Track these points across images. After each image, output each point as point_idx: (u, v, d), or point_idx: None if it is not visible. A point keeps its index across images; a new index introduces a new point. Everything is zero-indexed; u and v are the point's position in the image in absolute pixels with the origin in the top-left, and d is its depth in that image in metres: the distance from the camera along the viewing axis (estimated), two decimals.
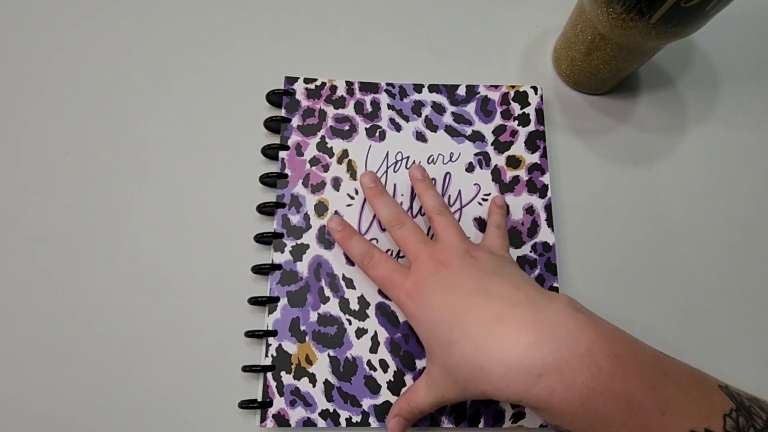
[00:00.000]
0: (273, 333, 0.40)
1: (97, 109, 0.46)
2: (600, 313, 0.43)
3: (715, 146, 0.48)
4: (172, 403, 0.40)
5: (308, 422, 0.38)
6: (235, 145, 0.46)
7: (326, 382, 0.39)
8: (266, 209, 0.43)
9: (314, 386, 0.39)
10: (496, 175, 0.44)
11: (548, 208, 0.43)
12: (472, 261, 0.36)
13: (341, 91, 0.46)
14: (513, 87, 0.47)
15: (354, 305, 0.41)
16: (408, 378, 0.39)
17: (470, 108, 0.46)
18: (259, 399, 0.39)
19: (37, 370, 0.40)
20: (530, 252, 0.42)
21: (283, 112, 0.45)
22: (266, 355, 0.40)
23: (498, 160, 0.45)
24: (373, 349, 0.40)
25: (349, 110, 0.46)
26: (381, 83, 0.46)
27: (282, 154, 0.44)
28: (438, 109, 0.46)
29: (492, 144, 0.45)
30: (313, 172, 0.44)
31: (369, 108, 0.46)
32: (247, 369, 0.39)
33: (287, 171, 0.44)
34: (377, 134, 0.45)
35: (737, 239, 0.45)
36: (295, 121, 0.45)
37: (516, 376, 0.29)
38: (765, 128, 0.48)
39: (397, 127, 0.45)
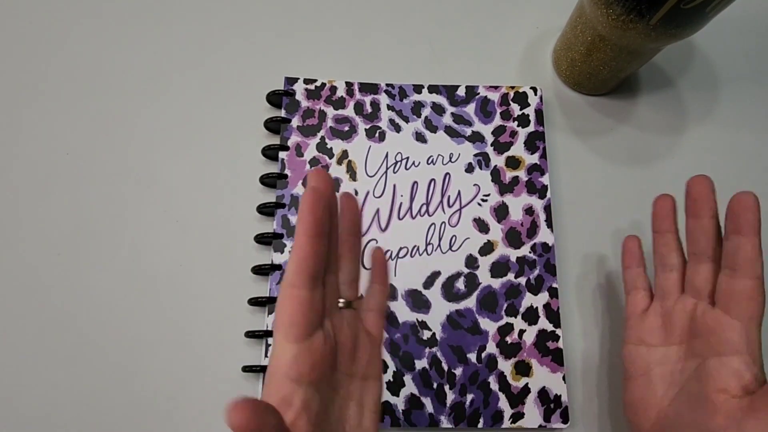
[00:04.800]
0: (272, 334, 0.40)
1: (97, 109, 0.46)
2: (600, 313, 0.43)
3: (715, 147, 0.48)
4: (173, 403, 0.40)
5: None
6: (235, 146, 0.46)
7: None
8: (266, 210, 0.43)
9: None
10: (496, 175, 0.44)
11: (548, 208, 0.43)
12: None
13: (341, 92, 0.46)
14: (512, 88, 0.47)
15: None
16: (407, 378, 0.39)
17: (470, 109, 0.46)
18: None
19: (38, 370, 0.40)
20: (530, 252, 0.42)
21: (282, 113, 0.45)
22: (265, 356, 0.40)
23: (497, 160, 0.45)
24: None
25: (348, 111, 0.46)
26: (381, 84, 0.46)
27: (282, 154, 0.44)
28: (438, 109, 0.46)
29: (491, 145, 0.45)
30: None
31: (369, 109, 0.46)
32: (247, 369, 0.40)
33: (287, 171, 0.44)
34: (377, 135, 0.45)
35: None
36: (295, 122, 0.45)
37: None
38: (764, 129, 0.48)
39: (397, 128, 0.45)
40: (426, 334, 0.41)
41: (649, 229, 0.40)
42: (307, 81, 0.46)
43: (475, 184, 0.44)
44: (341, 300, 0.30)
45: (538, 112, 0.46)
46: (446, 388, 0.40)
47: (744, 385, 0.29)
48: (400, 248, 0.42)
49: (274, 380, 0.25)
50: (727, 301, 0.31)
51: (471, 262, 0.42)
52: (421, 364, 0.40)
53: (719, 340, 0.31)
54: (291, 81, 0.46)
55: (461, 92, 0.46)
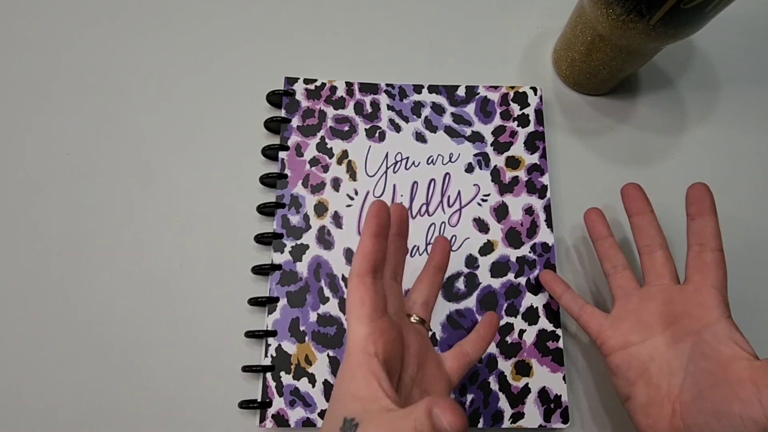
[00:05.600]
0: (273, 333, 0.40)
1: (98, 110, 0.46)
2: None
3: (715, 147, 0.48)
4: (173, 403, 0.40)
5: (307, 422, 0.38)
6: (235, 146, 0.46)
7: (326, 383, 0.39)
8: (266, 210, 0.43)
9: (314, 386, 0.39)
10: (496, 175, 0.44)
11: (547, 208, 0.43)
12: None
13: (341, 92, 0.46)
14: (512, 88, 0.47)
15: None
16: None
17: (470, 109, 0.46)
18: (259, 399, 0.39)
19: (38, 370, 0.40)
20: (529, 252, 0.42)
21: (282, 113, 0.45)
22: (266, 356, 0.40)
23: (497, 160, 0.45)
24: None
25: (348, 111, 0.46)
26: (381, 84, 0.46)
27: (282, 154, 0.44)
28: (437, 109, 0.46)
29: (491, 145, 0.45)
30: (313, 172, 0.44)
31: (369, 109, 0.46)
32: (247, 369, 0.40)
33: (287, 171, 0.44)
34: (377, 135, 0.45)
35: (736, 239, 0.45)
36: (295, 122, 0.45)
37: None
38: (764, 129, 0.48)
39: (397, 128, 0.45)
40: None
41: None
42: (307, 81, 0.46)
43: (475, 184, 0.44)
44: (413, 315, 0.34)
45: (538, 112, 0.46)
46: None
47: (745, 347, 0.31)
48: None
49: (355, 358, 0.28)
50: (701, 272, 0.34)
51: (471, 262, 0.42)
52: None
53: (703, 309, 0.33)
54: (291, 81, 0.46)
55: (461, 92, 0.46)
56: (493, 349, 0.40)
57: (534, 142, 0.45)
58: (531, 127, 0.46)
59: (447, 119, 0.46)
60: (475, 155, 0.45)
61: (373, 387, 0.27)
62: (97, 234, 0.43)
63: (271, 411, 0.38)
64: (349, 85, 0.46)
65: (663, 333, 0.35)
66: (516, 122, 0.46)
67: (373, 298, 0.29)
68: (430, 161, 0.45)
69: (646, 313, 0.36)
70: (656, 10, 0.34)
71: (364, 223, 0.30)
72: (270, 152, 0.44)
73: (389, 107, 0.46)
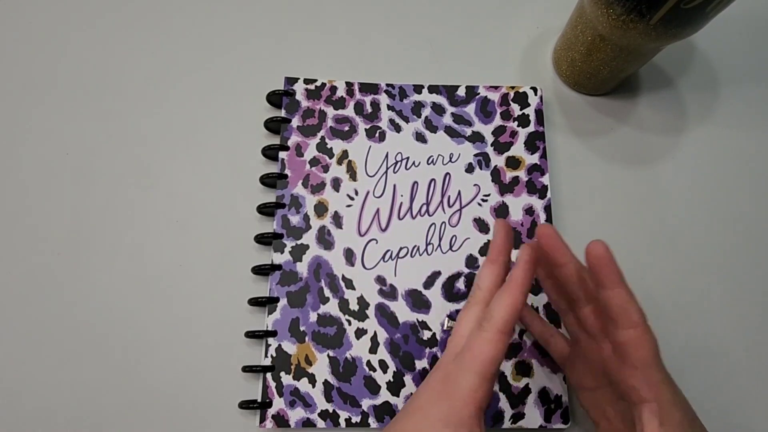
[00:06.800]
0: (273, 333, 0.40)
1: (98, 109, 0.46)
2: None
3: (715, 147, 0.48)
4: (173, 403, 0.40)
5: (308, 423, 0.38)
6: (235, 146, 0.46)
7: (326, 383, 0.39)
8: (266, 210, 0.43)
9: (314, 386, 0.39)
10: (496, 175, 0.44)
11: (548, 208, 0.43)
12: None
13: (341, 92, 0.46)
14: (513, 88, 0.47)
15: (353, 306, 0.41)
16: (407, 378, 0.39)
17: (470, 109, 0.46)
18: (259, 399, 0.39)
19: (38, 371, 0.40)
20: None
21: (283, 113, 0.45)
22: (266, 356, 0.40)
23: (498, 160, 0.45)
24: (373, 350, 0.40)
25: (348, 111, 0.46)
26: (381, 84, 0.46)
27: (282, 154, 0.44)
28: (438, 109, 0.46)
29: (492, 145, 0.45)
30: (313, 172, 0.44)
31: (369, 109, 0.46)
32: (247, 369, 0.39)
33: (287, 171, 0.44)
34: (377, 135, 0.45)
35: (737, 239, 0.45)
36: (295, 122, 0.45)
37: None
38: (764, 129, 0.48)
39: (397, 128, 0.45)
40: (426, 335, 0.41)
41: (649, 230, 0.41)
42: (307, 81, 0.46)
43: (475, 184, 0.44)
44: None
45: (538, 112, 0.46)
46: None
47: None
48: (401, 248, 0.42)
49: (467, 410, 0.28)
50: (619, 352, 0.30)
51: (471, 262, 0.42)
52: (421, 364, 0.40)
53: (626, 389, 0.30)
54: (291, 81, 0.46)
55: (461, 92, 0.46)
56: None
57: (534, 142, 0.45)
58: (531, 127, 0.46)
59: (447, 119, 0.46)
60: (476, 155, 0.45)
61: None
62: (97, 234, 0.43)
63: (271, 411, 0.38)
64: (349, 85, 0.46)
65: (610, 385, 0.34)
66: (516, 122, 0.46)
67: (502, 358, 0.29)
68: (430, 161, 0.45)
69: (592, 364, 0.35)
70: (656, 10, 0.34)
71: (516, 272, 0.30)
72: (270, 152, 0.44)
73: (389, 107, 0.46)
